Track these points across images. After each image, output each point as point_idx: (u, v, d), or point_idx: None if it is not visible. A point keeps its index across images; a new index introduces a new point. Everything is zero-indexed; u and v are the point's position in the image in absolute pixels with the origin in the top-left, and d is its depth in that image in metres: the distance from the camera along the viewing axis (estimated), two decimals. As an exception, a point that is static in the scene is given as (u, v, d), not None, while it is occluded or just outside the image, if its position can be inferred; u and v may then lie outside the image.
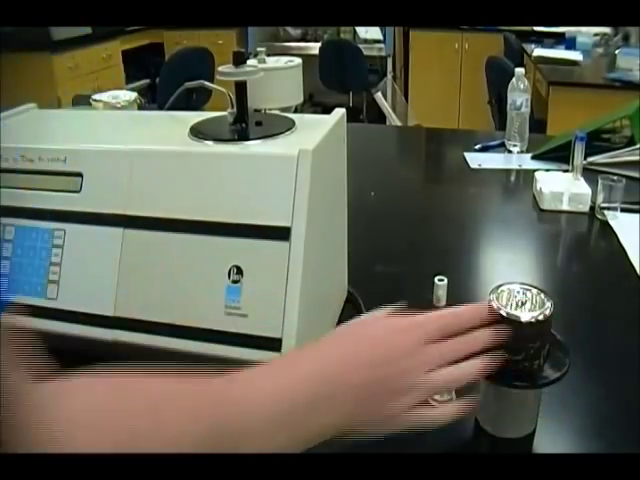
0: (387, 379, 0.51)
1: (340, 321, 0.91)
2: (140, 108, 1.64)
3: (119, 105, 1.54)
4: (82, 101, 1.95)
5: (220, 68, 0.81)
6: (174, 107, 0.99)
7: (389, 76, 5.00)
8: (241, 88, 0.81)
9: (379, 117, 4.75)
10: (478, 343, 0.54)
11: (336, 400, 0.49)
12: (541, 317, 0.63)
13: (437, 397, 0.74)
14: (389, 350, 0.52)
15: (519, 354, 0.64)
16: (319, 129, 0.79)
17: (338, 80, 4.83)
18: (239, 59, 0.80)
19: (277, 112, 0.94)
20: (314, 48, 4.96)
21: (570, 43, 4.01)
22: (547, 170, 1.45)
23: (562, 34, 4.21)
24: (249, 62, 0.87)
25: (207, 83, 0.89)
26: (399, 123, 3.21)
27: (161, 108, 1.16)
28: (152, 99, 4.23)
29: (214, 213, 0.72)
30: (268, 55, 0.99)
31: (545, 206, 1.32)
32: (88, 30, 4.50)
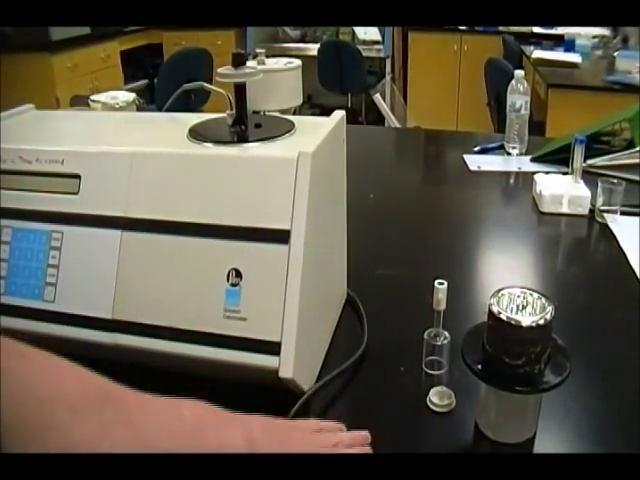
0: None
1: (339, 324, 0.91)
2: (138, 109, 1.64)
3: (118, 106, 1.54)
4: (80, 102, 1.95)
5: (219, 70, 0.80)
6: (172, 108, 0.98)
7: (388, 77, 4.99)
8: (240, 90, 0.81)
9: (378, 119, 4.75)
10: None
11: None
12: (542, 321, 0.63)
13: (436, 401, 0.74)
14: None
15: (520, 358, 0.63)
16: (319, 131, 0.78)
17: (337, 81, 4.83)
18: (239, 60, 0.80)
19: (276, 114, 0.93)
20: (313, 49, 4.96)
21: (569, 45, 4.02)
22: (547, 172, 1.44)
23: (561, 36, 4.22)
24: (248, 63, 0.87)
25: (206, 85, 0.89)
26: (398, 125, 3.20)
27: (159, 109, 1.16)
28: (150, 100, 4.23)
29: (213, 216, 0.72)
30: (267, 56, 0.99)
31: (545, 209, 1.31)
32: (87, 30, 4.49)
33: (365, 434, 0.65)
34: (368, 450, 0.64)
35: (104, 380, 0.49)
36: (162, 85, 3.80)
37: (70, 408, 0.44)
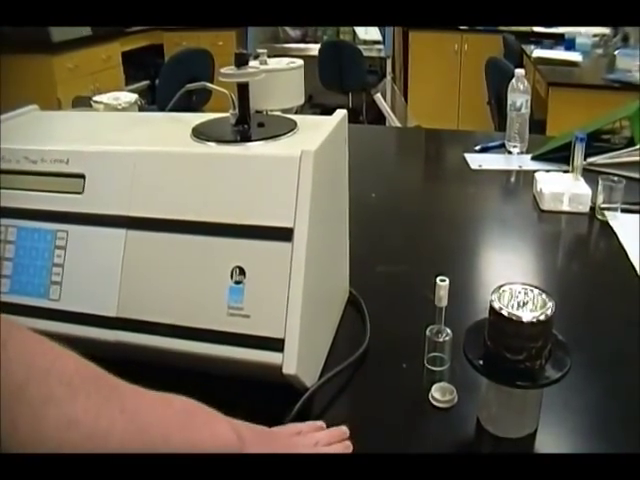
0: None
1: (341, 321, 0.91)
2: (140, 109, 1.65)
3: (120, 106, 1.54)
4: (82, 102, 1.96)
5: (223, 69, 0.81)
6: (174, 108, 0.99)
7: (388, 77, 5.00)
8: (243, 89, 0.82)
9: (378, 118, 4.75)
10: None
11: None
12: (542, 317, 0.63)
13: (438, 397, 0.75)
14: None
15: (521, 354, 0.64)
16: (321, 130, 0.79)
17: (337, 81, 4.83)
18: (241, 60, 0.81)
19: (278, 113, 0.94)
20: (314, 49, 4.96)
21: (569, 44, 4.02)
22: (547, 171, 1.45)
23: (561, 35, 4.21)
24: (250, 63, 0.87)
25: (209, 84, 0.90)
26: (399, 124, 3.20)
27: (161, 109, 1.17)
28: (152, 100, 4.22)
29: (216, 214, 0.72)
30: (269, 56, 0.99)
31: (545, 206, 1.32)
32: (88, 31, 4.50)
33: (343, 429, 0.68)
34: (348, 445, 0.67)
35: (97, 366, 0.49)
36: (163, 86, 3.80)
37: (68, 383, 0.44)
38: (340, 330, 0.90)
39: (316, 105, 5.21)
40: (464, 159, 1.68)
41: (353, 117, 4.65)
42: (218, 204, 0.73)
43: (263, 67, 0.91)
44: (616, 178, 1.27)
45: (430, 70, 5.10)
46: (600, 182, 1.27)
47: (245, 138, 0.80)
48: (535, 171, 1.44)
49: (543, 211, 1.32)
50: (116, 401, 0.48)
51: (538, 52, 3.82)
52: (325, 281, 0.82)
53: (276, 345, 0.68)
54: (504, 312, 0.64)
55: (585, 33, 4.13)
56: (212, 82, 0.91)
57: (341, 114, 0.87)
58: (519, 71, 1.70)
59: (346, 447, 0.67)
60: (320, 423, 0.70)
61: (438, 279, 0.77)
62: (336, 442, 0.67)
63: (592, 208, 1.29)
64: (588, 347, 0.84)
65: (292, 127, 0.82)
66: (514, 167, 1.63)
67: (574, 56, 3.70)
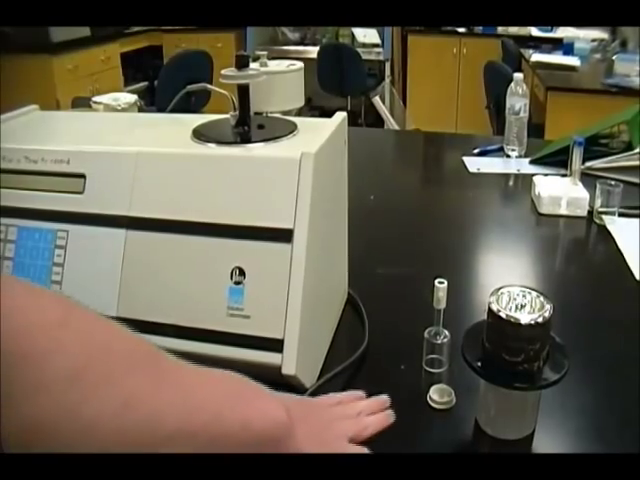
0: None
1: (340, 323, 0.92)
2: (140, 110, 1.65)
3: (119, 107, 1.55)
4: (82, 103, 1.96)
5: (223, 71, 0.81)
6: (173, 109, 0.99)
7: (387, 80, 5.01)
8: (244, 91, 0.82)
9: (377, 121, 4.77)
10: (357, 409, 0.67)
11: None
12: (540, 319, 0.64)
13: (437, 398, 0.75)
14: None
15: (519, 356, 0.64)
16: (321, 132, 0.79)
17: (336, 84, 4.83)
18: (242, 62, 0.81)
19: (278, 115, 0.94)
20: (312, 52, 4.96)
21: (568, 48, 4.03)
22: (545, 174, 1.45)
23: (560, 39, 4.23)
24: (250, 65, 0.88)
25: (209, 86, 0.90)
26: (397, 127, 3.21)
27: (160, 111, 1.17)
28: (151, 102, 4.23)
29: (217, 215, 0.73)
30: (268, 58, 0.99)
31: (543, 210, 1.32)
32: (87, 32, 4.50)
33: (383, 398, 0.68)
34: (390, 414, 0.66)
35: (151, 343, 0.49)
36: (162, 87, 3.80)
37: (126, 361, 0.44)
38: (339, 331, 0.90)
39: (315, 108, 5.22)
40: (462, 162, 1.68)
41: (352, 120, 4.63)
42: (218, 205, 0.73)
43: (263, 69, 0.92)
44: (614, 182, 1.27)
45: (429, 74, 5.11)
46: (598, 186, 1.27)
47: (245, 139, 0.81)
48: (533, 175, 1.45)
49: (541, 215, 1.32)
50: (172, 379, 0.48)
51: (537, 56, 3.83)
52: (324, 282, 0.82)
53: (275, 345, 0.68)
54: (502, 314, 0.64)
55: (584, 38, 4.15)
56: (211, 84, 0.92)
57: (341, 116, 0.88)
58: (518, 75, 1.71)
59: (388, 416, 0.66)
60: (360, 393, 0.68)
61: (437, 281, 0.77)
62: (378, 411, 0.66)
63: (590, 212, 1.30)
64: (585, 349, 0.85)
65: (292, 129, 0.82)
66: (512, 171, 1.64)
67: (572, 61, 3.71)
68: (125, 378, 0.43)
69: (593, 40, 4.18)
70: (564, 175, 1.43)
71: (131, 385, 0.43)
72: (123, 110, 1.55)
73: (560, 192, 1.32)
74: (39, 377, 0.38)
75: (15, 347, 0.38)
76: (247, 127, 0.83)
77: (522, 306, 0.67)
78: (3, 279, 0.41)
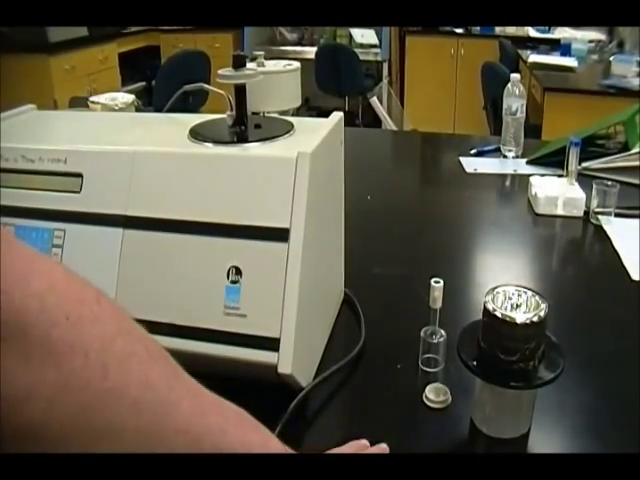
0: None
1: (337, 322, 0.92)
2: (137, 110, 1.65)
3: (117, 107, 1.55)
4: (79, 103, 1.96)
5: (220, 71, 0.81)
6: (171, 109, 0.99)
7: (385, 81, 5.01)
8: (241, 91, 0.82)
9: (375, 121, 4.76)
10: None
11: None
12: (536, 319, 0.64)
13: (432, 397, 0.76)
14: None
15: (514, 355, 0.65)
16: (317, 132, 0.80)
17: (334, 84, 4.84)
18: (239, 62, 0.81)
19: (275, 115, 0.95)
20: (310, 52, 4.97)
21: (565, 49, 4.04)
22: (542, 175, 1.46)
23: (557, 40, 4.24)
24: (247, 65, 0.88)
25: (207, 86, 0.90)
26: (395, 127, 3.22)
27: (158, 111, 1.17)
28: (148, 102, 4.23)
29: (213, 214, 0.73)
30: (266, 59, 1.00)
31: (540, 210, 1.33)
32: (85, 32, 4.50)
33: (382, 447, 0.66)
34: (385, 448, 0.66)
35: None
36: (160, 87, 3.80)
37: (146, 347, 0.46)
38: (335, 331, 0.90)
39: (312, 108, 5.23)
40: (459, 163, 1.68)
41: (349, 120, 4.66)
42: (215, 204, 0.73)
43: (260, 69, 0.92)
44: (610, 183, 1.28)
45: (426, 74, 5.12)
46: (594, 186, 1.28)
47: (242, 139, 0.81)
48: (530, 175, 1.45)
49: (538, 215, 1.33)
50: (183, 380, 0.49)
51: (534, 57, 3.84)
52: (321, 281, 0.83)
53: (272, 344, 0.69)
54: (498, 313, 0.65)
55: (581, 39, 4.16)
56: (209, 84, 0.92)
57: (337, 117, 0.88)
58: (515, 76, 1.71)
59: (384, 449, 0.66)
60: (363, 442, 0.67)
61: (433, 281, 0.77)
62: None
63: (586, 212, 1.30)
64: (581, 349, 0.85)
65: (289, 129, 0.83)
66: (509, 171, 1.64)
67: (570, 61, 3.73)
68: (145, 360, 0.45)
69: (590, 41, 4.19)
70: (561, 175, 1.43)
71: (150, 368, 0.45)
72: (120, 110, 1.55)
73: (557, 192, 1.32)
74: (76, 340, 0.41)
75: (58, 312, 0.41)
76: (244, 127, 0.83)
77: (517, 305, 0.67)
78: (50, 260, 0.45)
